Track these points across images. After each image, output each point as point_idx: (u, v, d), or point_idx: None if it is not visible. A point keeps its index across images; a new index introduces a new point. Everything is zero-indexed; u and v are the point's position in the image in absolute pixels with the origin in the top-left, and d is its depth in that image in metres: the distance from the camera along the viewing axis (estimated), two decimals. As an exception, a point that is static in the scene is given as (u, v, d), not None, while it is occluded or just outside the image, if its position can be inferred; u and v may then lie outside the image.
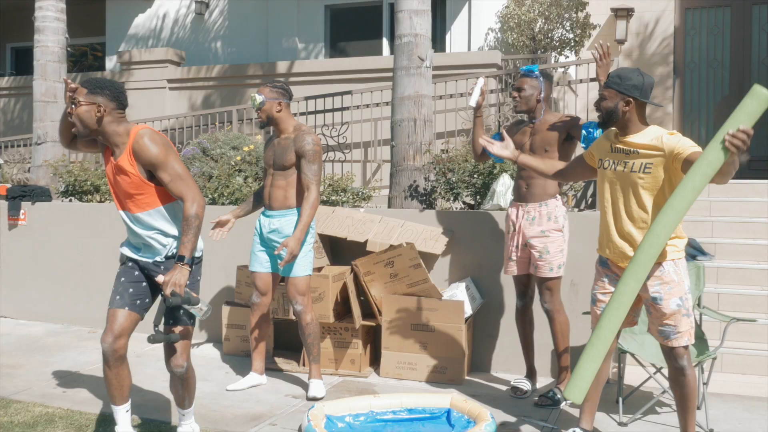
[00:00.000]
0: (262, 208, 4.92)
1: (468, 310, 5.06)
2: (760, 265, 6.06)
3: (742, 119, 3.03)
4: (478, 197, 5.98)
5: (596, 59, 4.46)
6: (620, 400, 4.33)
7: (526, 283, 4.74)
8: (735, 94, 9.64)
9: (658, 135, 3.46)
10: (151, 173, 3.42)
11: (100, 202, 7.16)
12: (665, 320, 3.52)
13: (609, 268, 3.71)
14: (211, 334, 6.15)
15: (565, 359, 4.59)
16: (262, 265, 4.87)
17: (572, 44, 9.21)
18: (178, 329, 3.52)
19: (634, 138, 3.51)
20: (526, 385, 4.78)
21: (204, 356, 5.65)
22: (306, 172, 4.59)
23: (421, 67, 6.25)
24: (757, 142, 9.38)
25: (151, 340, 3.36)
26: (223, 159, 6.74)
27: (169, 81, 10.60)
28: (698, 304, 4.61)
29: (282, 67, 9.94)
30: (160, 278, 3.38)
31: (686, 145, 3.36)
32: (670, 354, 3.56)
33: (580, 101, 8.63)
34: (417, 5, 6.23)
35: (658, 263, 3.49)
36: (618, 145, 3.58)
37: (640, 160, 3.48)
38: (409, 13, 6.23)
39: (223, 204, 6.43)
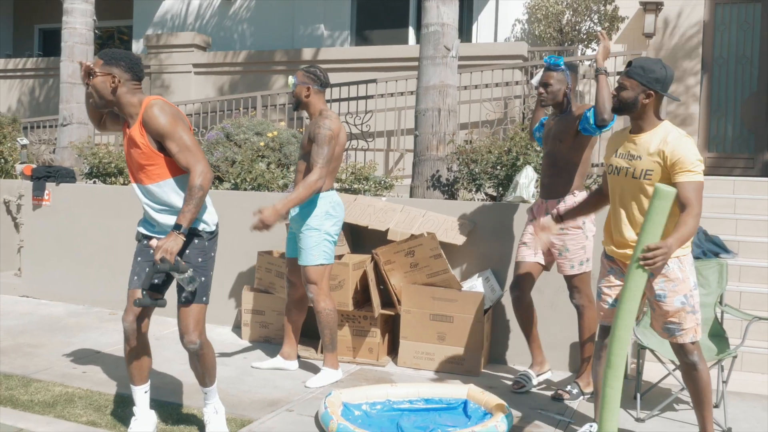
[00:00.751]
0: None
1: (487, 302, 5.04)
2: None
3: (657, 222, 3.11)
4: (500, 189, 5.95)
5: (600, 37, 4.40)
6: (638, 396, 4.30)
7: (529, 272, 4.58)
8: (763, 90, 9.50)
9: (666, 141, 3.37)
10: (161, 144, 3.40)
11: (124, 184, 7.22)
12: (669, 318, 3.48)
13: (614, 261, 3.68)
14: (231, 320, 6.19)
15: (588, 349, 4.54)
16: (288, 250, 4.94)
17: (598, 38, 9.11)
18: (189, 306, 3.52)
19: (644, 139, 3.45)
20: (526, 380, 4.67)
21: (223, 341, 5.69)
22: (313, 154, 4.57)
23: (446, 56, 6.23)
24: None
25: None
26: (247, 144, 6.77)
27: (195, 65, 10.65)
28: (720, 302, 4.56)
29: (307, 54, 9.94)
30: (153, 242, 3.38)
31: (683, 167, 3.30)
32: (680, 350, 3.53)
33: (606, 95, 8.55)
34: (444, -6, 6.21)
35: None
36: (621, 150, 3.54)
37: (641, 167, 3.43)
38: (437, 2, 6.20)
39: (245, 189, 6.46)
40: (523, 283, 4.59)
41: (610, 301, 3.67)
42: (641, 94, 3.41)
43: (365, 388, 4.30)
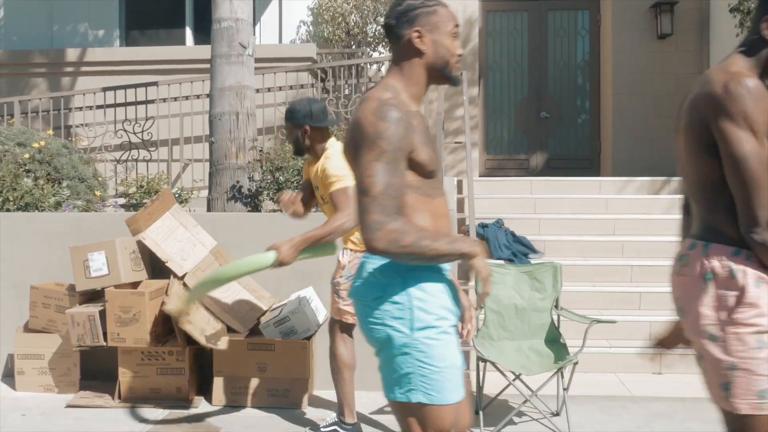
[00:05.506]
0: None
1: (312, 326, 4.55)
2: (587, 261, 6.14)
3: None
4: (311, 198, 5.51)
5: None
6: (480, 412, 4.06)
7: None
8: (533, 95, 9.94)
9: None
10: None
11: None
12: None
13: None
14: (-3, 367, 5.15)
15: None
16: None
17: (386, 40, 9.02)
18: None
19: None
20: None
21: (-9, 395, 4.69)
22: None
23: (242, 55, 5.69)
24: (576, 142, 9.75)
25: None
26: (8, 157, 5.72)
27: (-70, 68, 9.07)
28: (556, 306, 4.40)
29: (71, 55, 8.83)
30: None
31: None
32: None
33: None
34: (238, -13, 5.66)
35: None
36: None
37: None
38: (230, -5, 5.64)
39: (8, 210, 5.44)
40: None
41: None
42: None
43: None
